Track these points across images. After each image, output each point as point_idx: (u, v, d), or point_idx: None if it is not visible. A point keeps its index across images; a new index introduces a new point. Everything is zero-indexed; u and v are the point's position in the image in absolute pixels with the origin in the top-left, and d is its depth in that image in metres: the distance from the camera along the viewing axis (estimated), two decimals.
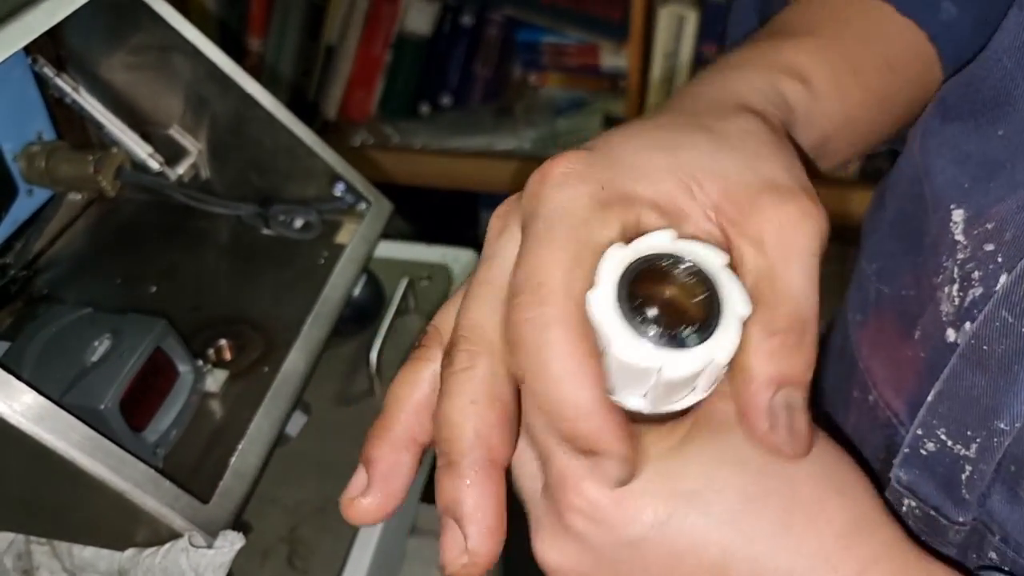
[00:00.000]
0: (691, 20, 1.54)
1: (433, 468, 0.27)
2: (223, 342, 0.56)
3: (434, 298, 0.79)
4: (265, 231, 0.65)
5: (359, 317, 0.66)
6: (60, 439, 0.41)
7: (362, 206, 0.65)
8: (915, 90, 0.41)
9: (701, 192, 0.27)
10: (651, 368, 0.25)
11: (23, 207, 0.61)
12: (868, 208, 0.45)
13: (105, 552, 0.47)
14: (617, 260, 0.26)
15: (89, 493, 0.43)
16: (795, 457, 0.26)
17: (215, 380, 0.53)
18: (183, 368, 0.50)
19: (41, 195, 0.62)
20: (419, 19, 1.80)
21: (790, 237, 0.26)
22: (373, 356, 0.65)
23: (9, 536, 0.49)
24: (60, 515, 0.48)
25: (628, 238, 0.26)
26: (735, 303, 0.26)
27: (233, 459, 0.48)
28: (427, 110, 1.80)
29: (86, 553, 0.47)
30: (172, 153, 0.64)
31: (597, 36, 1.70)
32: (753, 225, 0.26)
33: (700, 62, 1.55)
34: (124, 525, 0.45)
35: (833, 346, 0.45)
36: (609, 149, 0.28)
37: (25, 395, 0.41)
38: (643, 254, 0.26)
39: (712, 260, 0.26)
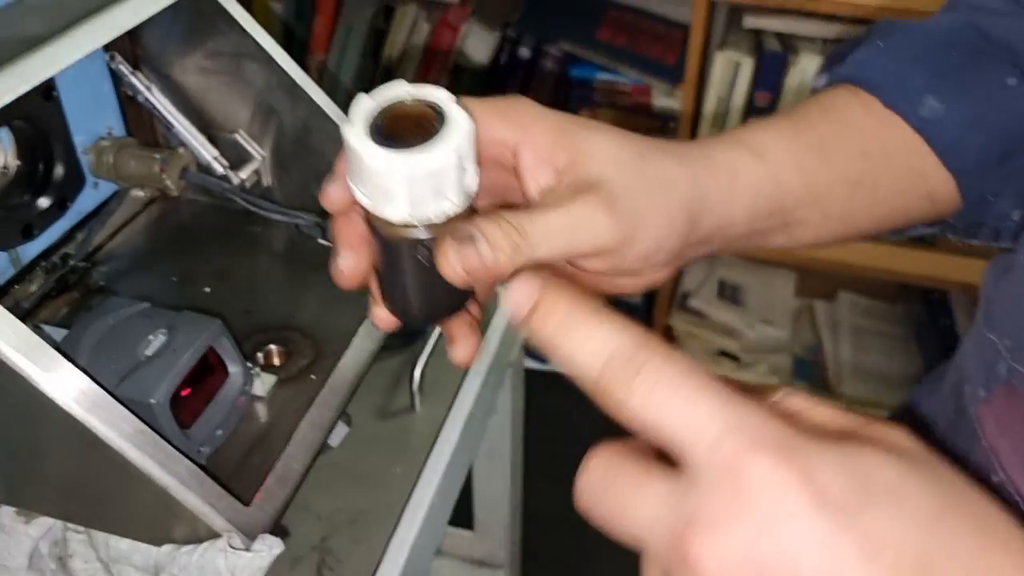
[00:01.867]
0: (746, 67, 1.54)
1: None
2: (273, 347, 0.56)
3: (484, 320, 0.78)
4: (321, 241, 0.65)
5: (406, 332, 0.66)
6: (110, 429, 0.42)
7: None
8: (902, 178, 0.43)
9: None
10: (391, 169, 0.31)
11: (88, 199, 0.62)
12: (988, 275, 0.44)
13: (142, 546, 0.47)
14: (363, 104, 0.33)
15: (132, 485, 0.44)
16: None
17: (263, 384, 0.53)
18: (233, 369, 0.50)
19: (106, 189, 0.63)
20: (478, 48, 1.82)
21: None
22: (417, 373, 0.65)
23: (48, 522, 0.49)
24: (101, 505, 0.48)
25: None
26: (456, 118, 0.32)
27: (277, 464, 0.48)
28: None
29: (123, 545, 0.47)
30: (236, 158, 0.65)
31: (651, 77, 1.71)
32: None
33: (752, 109, 1.55)
34: (164, 520, 0.45)
35: (939, 409, 0.44)
36: None
37: (79, 381, 0.41)
38: (384, 100, 0.33)
39: (439, 95, 0.33)
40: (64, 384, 0.41)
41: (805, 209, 0.41)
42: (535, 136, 0.36)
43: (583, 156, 0.36)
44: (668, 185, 0.37)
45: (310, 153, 0.64)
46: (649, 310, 1.78)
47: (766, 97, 1.55)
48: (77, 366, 0.42)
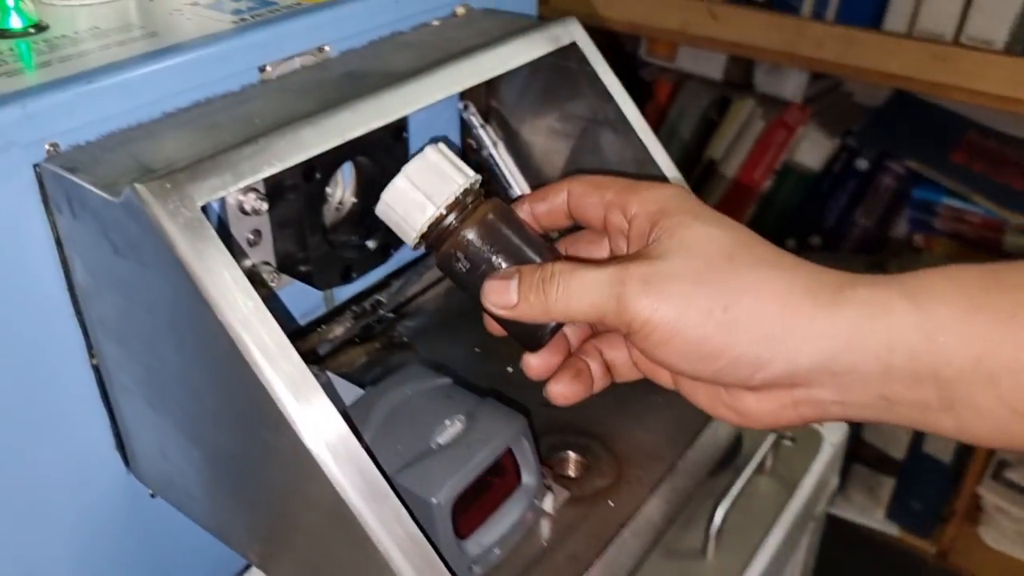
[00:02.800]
0: None
1: None
2: (570, 455, 0.48)
3: (795, 464, 0.66)
4: None
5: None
6: (381, 526, 0.35)
7: None
8: None
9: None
10: (403, 183, 0.41)
11: (408, 248, 0.58)
12: None
13: None
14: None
15: None
16: None
17: (553, 499, 0.45)
18: (527, 478, 0.43)
19: None
20: (812, 152, 1.70)
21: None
22: (719, 514, 0.54)
23: None
24: None
25: None
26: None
27: None
28: (793, 245, 1.68)
29: None
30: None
31: (1009, 210, 1.49)
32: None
33: None
34: None
35: None
36: None
37: (361, 463, 0.35)
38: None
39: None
40: (342, 462, 0.34)
41: (973, 388, 0.33)
42: (647, 206, 0.40)
43: (668, 231, 0.38)
44: (735, 292, 0.35)
45: None
46: (958, 471, 1.53)
47: None
48: (362, 440, 0.36)
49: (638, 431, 0.51)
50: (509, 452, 0.42)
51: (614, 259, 0.40)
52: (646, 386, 0.54)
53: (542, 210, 0.45)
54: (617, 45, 1.78)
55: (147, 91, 0.41)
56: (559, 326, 0.42)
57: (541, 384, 0.54)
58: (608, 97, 0.54)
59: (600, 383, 0.44)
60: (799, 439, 0.68)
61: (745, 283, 0.36)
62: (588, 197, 0.43)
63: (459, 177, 0.42)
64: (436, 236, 0.42)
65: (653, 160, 0.53)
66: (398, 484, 0.38)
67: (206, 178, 0.35)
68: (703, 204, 0.40)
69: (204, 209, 0.35)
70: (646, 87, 1.77)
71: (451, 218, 0.41)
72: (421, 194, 0.41)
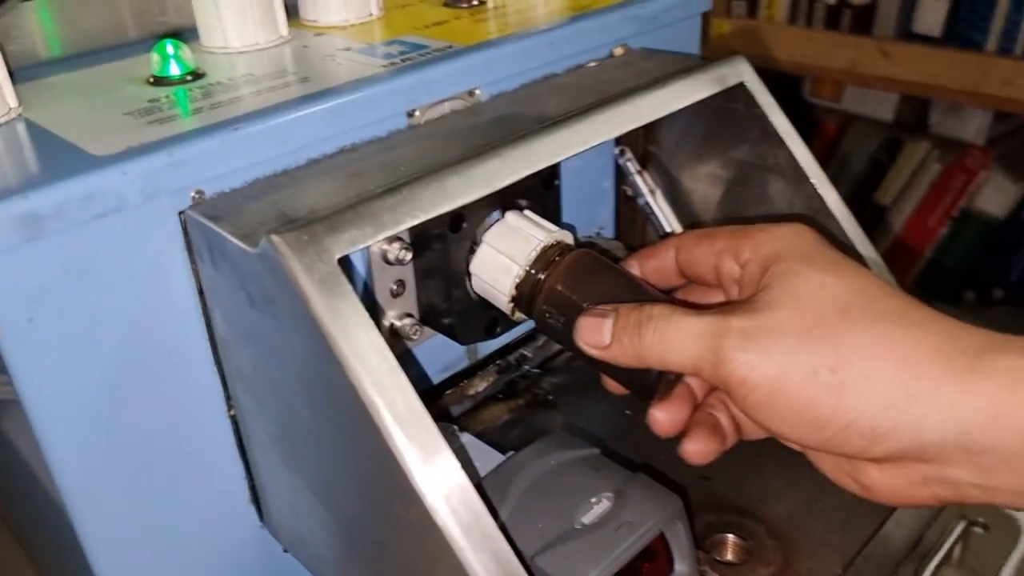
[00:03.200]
0: None
1: None
2: (729, 538, 0.43)
3: (988, 556, 0.58)
4: None
5: None
6: None
7: None
8: None
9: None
10: (489, 248, 0.42)
11: None
12: None
13: None
14: None
15: None
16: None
17: None
18: (681, 566, 0.38)
19: None
20: (995, 198, 1.57)
21: None
22: None
23: None
24: None
25: None
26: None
27: None
28: (972, 298, 1.55)
29: None
30: None
31: None
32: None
33: None
34: None
35: None
36: None
37: (496, 545, 0.32)
38: None
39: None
40: (475, 542, 0.31)
41: None
42: (760, 250, 0.36)
43: (779, 278, 0.34)
44: (846, 351, 0.31)
45: None
46: None
47: None
48: (498, 516, 0.33)
49: (808, 515, 0.45)
50: (661, 536, 0.37)
51: (717, 307, 0.35)
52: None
53: (651, 268, 0.42)
54: (778, 86, 1.71)
55: (294, 137, 0.40)
56: (676, 376, 0.38)
57: None
58: (778, 141, 0.49)
59: (731, 439, 0.39)
60: (992, 527, 0.59)
61: (859, 340, 0.32)
62: (697, 248, 0.39)
63: (540, 233, 0.41)
64: (528, 298, 0.41)
65: (829, 211, 0.48)
66: (537, 568, 0.34)
67: (345, 229, 0.33)
68: (826, 246, 0.36)
69: (343, 261, 0.33)
70: (809, 129, 1.69)
71: (539, 276, 0.41)
72: (504, 256, 0.41)
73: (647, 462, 0.46)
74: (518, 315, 0.43)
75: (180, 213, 0.37)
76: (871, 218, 1.65)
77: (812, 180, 0.48)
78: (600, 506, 0.37)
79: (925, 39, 1.49)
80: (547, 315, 0.40)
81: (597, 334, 0.37)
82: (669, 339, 0.35)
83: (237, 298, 0.36)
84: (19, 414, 0.37)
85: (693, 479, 0.47)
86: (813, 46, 1.58)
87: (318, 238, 0.32)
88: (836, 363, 0.31)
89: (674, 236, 0.42)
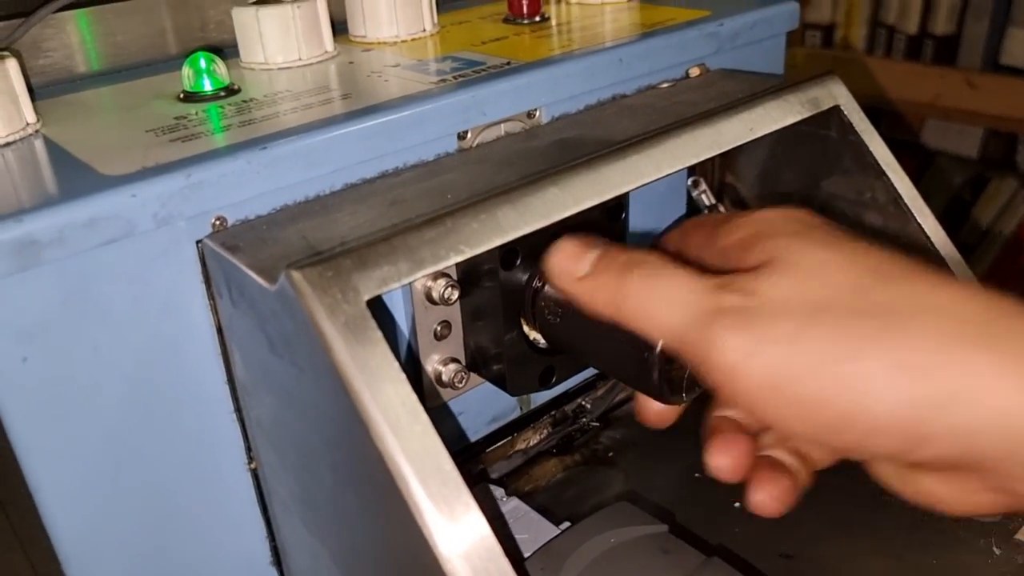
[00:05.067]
0: None
1: None
2: None
3: None
4: None
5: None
6: None
7: None
8: None
9: None
10: None
11: None
12: None
13: None
14: None
15: None
16: None
17: None
18: None
19: None
20: None
21: None
22: None
23: None
24: None
25: None
26: None
27: None
28: None
29: None
30: None
31: None
32: None
33: None
34: None
35: None
36: None
37: None
38: None
39: None
40: None
41: None
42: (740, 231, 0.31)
43: (777, 257, 0.28)
44: (868, 336, 0.25)
45: None
46: None
47: None
48: None
49: None
50: None
51: (718, 274, 0.29)
52: (921, 544, 0.42)
53: None
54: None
55: (329, 159, 0.35)
56: (694, 388, 0.34)
57: (779, 526, 0.43)
58: (877, 172, 0.43)
59: (803, 476, 0.33)
60: None
61: (882, 324, 0.25)
62: (695, 233, 0.33)
63: None
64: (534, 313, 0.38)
65: (936, 251, 0.42)
66: None
67: (377, 265, 0.28)
68: (830, 223, 0.30)
69: (374, 302, 0.28)
70: None
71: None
72: None
73: (721, 542, 0.40)
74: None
75: (198, 242, 0.33)
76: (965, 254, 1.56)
77: (917, 216, 0.42)
78: None
79: (1014, 71, 1.41)
80: (548, 313, 0.37)
81: (575, 262, 0.32)
82: (656, 294, 0.29)
83: (256, 340, 0.31)
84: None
85: (773, 557, 0.41)
86: (894, 78, 1.51)
87: (344, 275, 0.27)
88: (852, 352, 0.25)
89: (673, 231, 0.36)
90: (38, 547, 0.38)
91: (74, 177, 0.32)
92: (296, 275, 0.27)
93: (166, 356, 0.34)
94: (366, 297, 0.27)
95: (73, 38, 0.48)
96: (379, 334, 0.27)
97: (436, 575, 0.26)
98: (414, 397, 0.27)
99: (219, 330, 0.35)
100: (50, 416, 0.32)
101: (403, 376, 0.27)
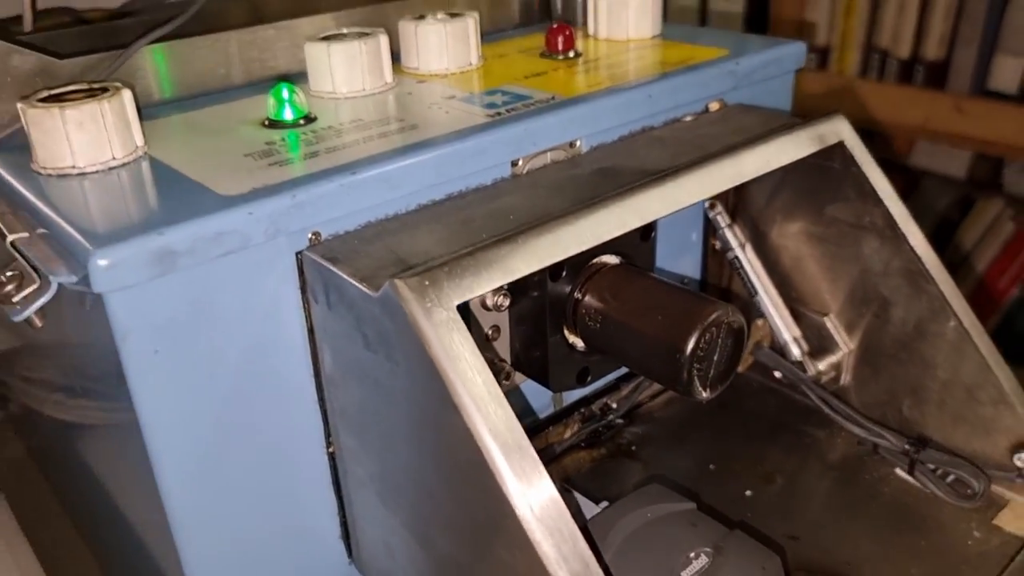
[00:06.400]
0: None
1: None
2: None
3: None
4: (900, 472, 0.51)
5: None
6: None
7: None
8: None
9: None
10: None
11: None
12: None
13: None
14: None
15: None
16: None
17: None
18: None
19: None
20: None
21: None
22: None
23: None
24: None
25: None
26: None
27: None
28: None
29: None
30: (818, 344, 0.54)
31: None
32: None
33: None
34: None
35: None
36: None
37: None
38: None
39: None
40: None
41: None
42: None
43: None
44: None
45: (914, 361, 0.50)
46: None
47: None
48: (602, 561, 0.33)
49: None
50: None
51: None
52: (912, 527, 0.47)
53: None
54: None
55: (405, 184, 0.41)
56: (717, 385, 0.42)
57: (784, 514, 0.49)
58: (876, 200, 0.49)
59: None
60: None
61: None
62: None
63: None
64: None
65: (927, 272, 0.48)
66: None
67: (464, 276, 0.33)
68: None
69: (461, 307, 0.33)
70: None
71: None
72: None
73: (744, 521, 0.45)
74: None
75: (297, 254, 0.39)
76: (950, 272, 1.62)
77: (910, 241, 0.48)
78: (699, 561, 0.37)
79: (1002, 96, 1.47)
80: (587, 318, 0.44)
81: None
82: None
83: (351, 339, 0.37)
84: (105, 435, 0.38)
85: (781, 538, 0.47)
86: (885, 101, 1.57)
87: (439, 284, 0.33)
88: None
89: None
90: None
91: (196, 196, 0.38)
92: (399, 283, 0.32)
93: (264, 352, 0.39)
94: (456, 303, 0.33)
95: (150, 67, 0.53)
96: (467, 334, 0.32)
97: (514, 533, 0.31)
98: (496, 386, 0.32)
99: (310, 331, 0.40)
100: (171, 398, 0.37)
101: (487, 368, 0.32)
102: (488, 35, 0.65)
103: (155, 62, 0.54)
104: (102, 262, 0.33)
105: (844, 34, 1.66)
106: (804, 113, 0.52)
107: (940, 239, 1.65)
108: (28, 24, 0.59)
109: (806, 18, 1.64)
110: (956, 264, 1.62)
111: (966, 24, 1.48)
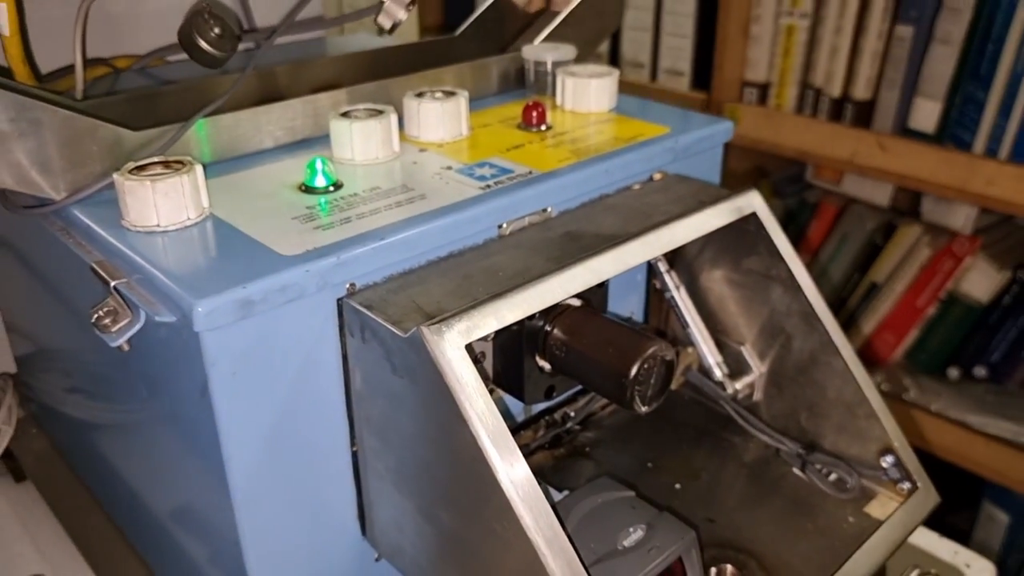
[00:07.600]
0: None
1: None
2: (729, 568, 0.56)
3: None
4: (796, 471, 0.64)
5: None
6: None
7: (905, 486, 0.61)
8: None
9: None
10: None
11: None
12: None
13: None
14: None
15: None
16: None
17: None
18: None
19: None
20: (979, 283, 1.70)
21: None
22: None
23: None
24: None
25: None
26: None
27: None
28: (956, 375, 1.67)
29: None
30: (736, 368, 0.68)
31: None
32: None
33: None
34: None
35: None
36: None
37: (570, 556, 0.45)
38: None
39: None
40: (552, 548, 0.44)
41: None
42: None
43: None
44: None
45: (808, 383, 0.64)
46: None
47: None
48: (566, 532, 0.46)
49: (791, 554, 0.58)
50: (680, 560, 0.50)
51: None
52: (803, 514, 0.61)
53: None
54: (784, 168, 1.85)
55: (420, 245, 0.53)
56: (653, 402, 0.54)
57: (704, 502, 0.62)
58: (780, 258, 0.63)
59: None
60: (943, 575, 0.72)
61: None
62: None
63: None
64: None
65: (816, 315, 0.62)
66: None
67: (471, 322, 0.46)
68: None
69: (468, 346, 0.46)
70: (811, 209, 1.83)
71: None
72: None
73: (670, 506, 0.59)
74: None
75: (338, 300, 0.51)
76: (867, 294, 1.78)
77: (805, 291, 0.62)
78: (635, 534, 0.50)
79: (920, 136, 1.63)
80: (554, 348, 0.55)
81: None
82: None
83: (380, 366, 0.49)
84: (171, 436, 0.50)
85: (700, 519, 0.60)
86: (817, 135, 1.72)
87: (453, 328, 0.45)
88: None
89: None
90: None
91: (263, 255, 0.50)
92: (425, 329, 0.45)
93: (309, 373, 0.51)
94: (465, 343, 0.45)
95: (193, 135, 0.64)
96: (472, 366, 0.45)
97: (501, 502, 0.44)
98: (492, 402, 0.45)
99: (344, 358, 0.52)
100: (243, 408, 0.49)
101: (486, 391, 0.45)
102: (473, 101, 0.77)
103: (198, 131, 0.65)
104: (201, 309, 0.45)
105: (783, 72, 1.81)
106: (745, 145, 0.64)
107: (865, 260, 1.81)
108: (80, 91, 0.68)
109: (749, 56, 1.78)
110: (879, 284, 1.79)
111: (891, 68, 1.63)
